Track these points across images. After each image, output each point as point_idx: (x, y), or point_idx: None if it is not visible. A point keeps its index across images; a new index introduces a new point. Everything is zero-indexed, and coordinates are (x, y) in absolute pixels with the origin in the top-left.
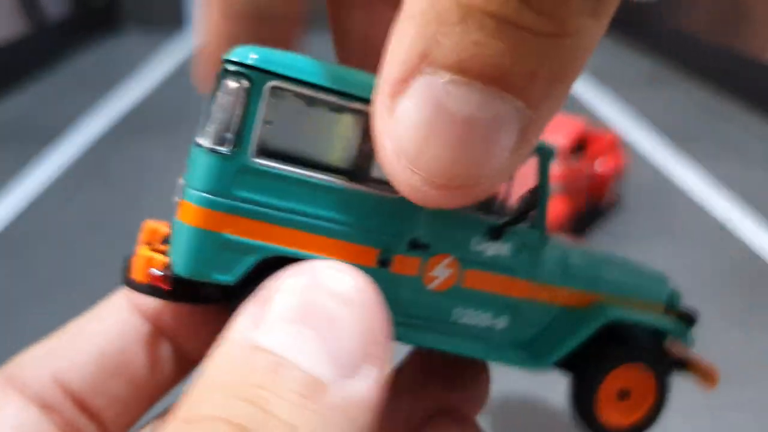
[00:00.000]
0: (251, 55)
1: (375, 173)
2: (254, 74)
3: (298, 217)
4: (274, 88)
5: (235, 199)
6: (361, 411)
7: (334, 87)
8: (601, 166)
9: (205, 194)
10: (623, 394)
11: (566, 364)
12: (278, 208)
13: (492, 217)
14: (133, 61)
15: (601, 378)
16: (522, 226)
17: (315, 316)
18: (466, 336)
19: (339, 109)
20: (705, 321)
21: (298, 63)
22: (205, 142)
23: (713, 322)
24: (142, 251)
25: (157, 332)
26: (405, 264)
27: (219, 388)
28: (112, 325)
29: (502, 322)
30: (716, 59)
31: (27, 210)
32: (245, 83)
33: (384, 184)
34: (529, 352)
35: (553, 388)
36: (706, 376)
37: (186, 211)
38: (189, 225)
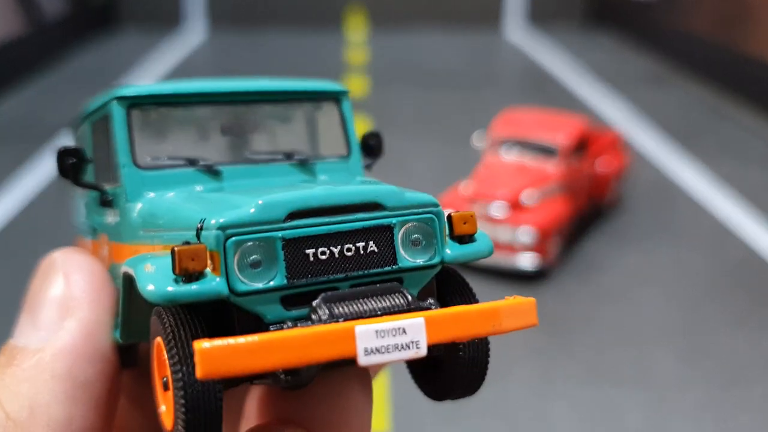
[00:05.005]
0: None
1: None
2: None
3: (90, 227)
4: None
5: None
6: (60, 357)
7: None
8: (602, 165)
9: None
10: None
11: None
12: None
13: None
14: (131, 60)
15: (151, 359)
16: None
17: (29, 298)
18: None
19: None
20: (707, 321)
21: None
22: None
23: (716, 321)
24: None
25: None
26: (94, 249)
27: None
28: None
29: None
30: (718, 59)
31: (26, 208)
32: None
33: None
34: None
35: (554, 401)
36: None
37: None
38: None
